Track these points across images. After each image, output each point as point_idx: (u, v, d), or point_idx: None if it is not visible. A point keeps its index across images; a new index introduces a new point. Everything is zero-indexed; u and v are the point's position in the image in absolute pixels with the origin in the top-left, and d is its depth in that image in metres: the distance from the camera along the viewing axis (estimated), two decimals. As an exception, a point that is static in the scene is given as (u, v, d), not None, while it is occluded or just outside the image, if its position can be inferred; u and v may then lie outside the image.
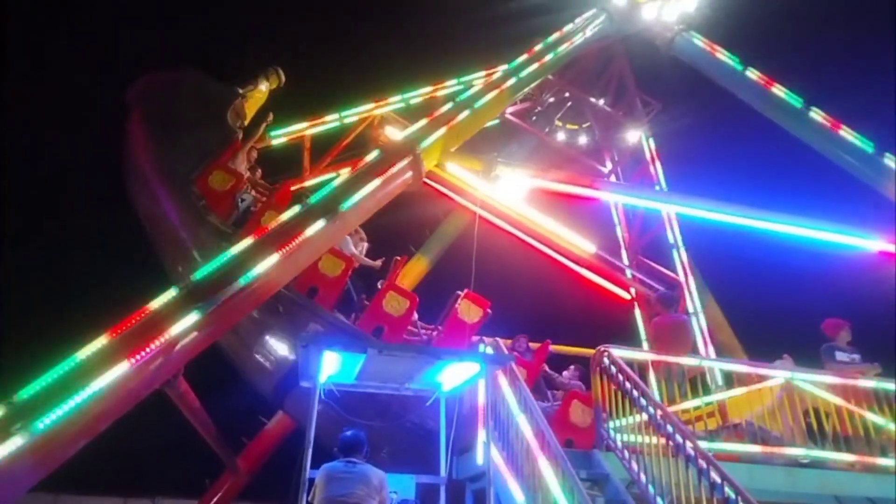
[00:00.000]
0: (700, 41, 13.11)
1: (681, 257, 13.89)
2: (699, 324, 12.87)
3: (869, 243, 9.82)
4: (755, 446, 6.85)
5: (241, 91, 12.19)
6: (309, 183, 12.86)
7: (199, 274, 6.37)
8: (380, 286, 9.06)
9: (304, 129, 13.40)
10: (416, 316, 9.11)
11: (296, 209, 7.32)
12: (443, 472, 6.56)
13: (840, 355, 8.14)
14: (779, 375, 7.37)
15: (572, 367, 9.75)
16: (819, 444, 6.90)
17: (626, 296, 14.66)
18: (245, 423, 12.98)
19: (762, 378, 7.39)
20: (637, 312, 14.45)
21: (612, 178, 16.36)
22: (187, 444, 11.60)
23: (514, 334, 9.90)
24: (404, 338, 8.80)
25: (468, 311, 8.52)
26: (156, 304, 6.04)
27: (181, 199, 9.27)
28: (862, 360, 8.15)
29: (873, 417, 7.11)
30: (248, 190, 10.18)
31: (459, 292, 8.82)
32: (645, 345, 13.66)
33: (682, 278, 13.63)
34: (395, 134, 12.44)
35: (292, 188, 11.29)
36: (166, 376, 6.42)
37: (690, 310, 13.07)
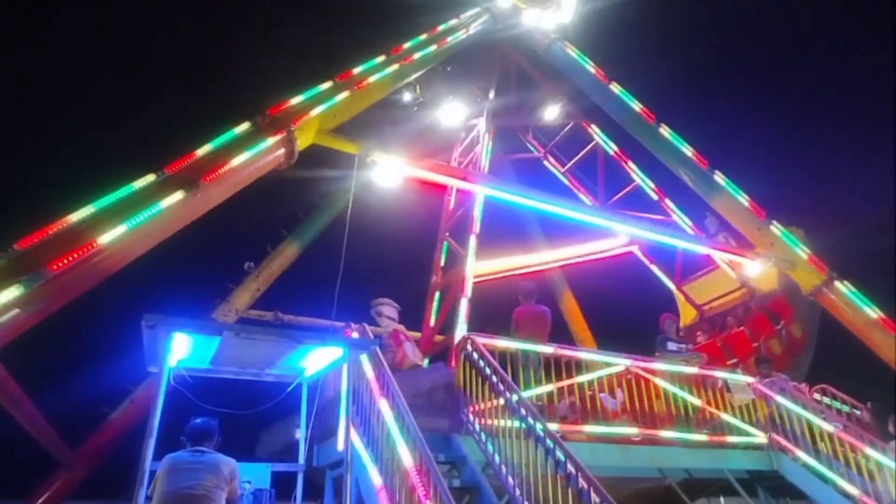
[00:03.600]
0: (572, 51, 13.98)
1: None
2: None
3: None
4: (598, 427, 7.50)
5: None
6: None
7: (26, 243, 5.58)
8: None
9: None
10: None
11: (149, 178, 6.67)
12: (301, 459, 6.40)
13: (671, 345, 9.21)
14: (621, 363, 8.15)
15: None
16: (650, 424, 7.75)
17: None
18: (87, 415, 11.80)
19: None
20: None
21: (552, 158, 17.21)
22: (14, 440, 10.28)
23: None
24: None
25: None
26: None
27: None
28: (687, 350, 9.30)
29: (692, 399, 8.12)
30: None
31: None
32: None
33: None
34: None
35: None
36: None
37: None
